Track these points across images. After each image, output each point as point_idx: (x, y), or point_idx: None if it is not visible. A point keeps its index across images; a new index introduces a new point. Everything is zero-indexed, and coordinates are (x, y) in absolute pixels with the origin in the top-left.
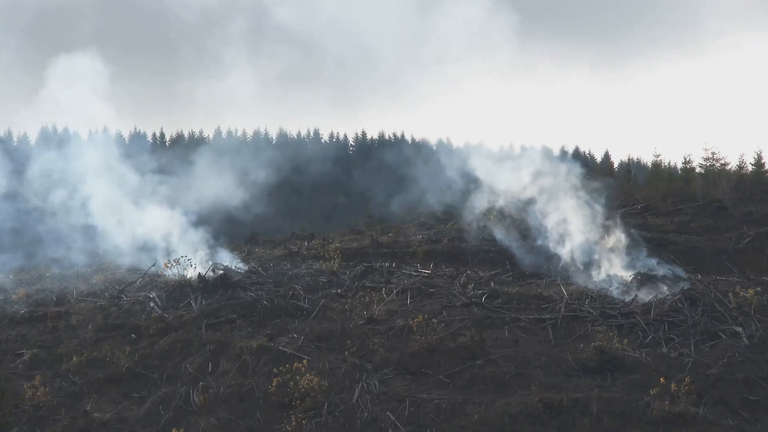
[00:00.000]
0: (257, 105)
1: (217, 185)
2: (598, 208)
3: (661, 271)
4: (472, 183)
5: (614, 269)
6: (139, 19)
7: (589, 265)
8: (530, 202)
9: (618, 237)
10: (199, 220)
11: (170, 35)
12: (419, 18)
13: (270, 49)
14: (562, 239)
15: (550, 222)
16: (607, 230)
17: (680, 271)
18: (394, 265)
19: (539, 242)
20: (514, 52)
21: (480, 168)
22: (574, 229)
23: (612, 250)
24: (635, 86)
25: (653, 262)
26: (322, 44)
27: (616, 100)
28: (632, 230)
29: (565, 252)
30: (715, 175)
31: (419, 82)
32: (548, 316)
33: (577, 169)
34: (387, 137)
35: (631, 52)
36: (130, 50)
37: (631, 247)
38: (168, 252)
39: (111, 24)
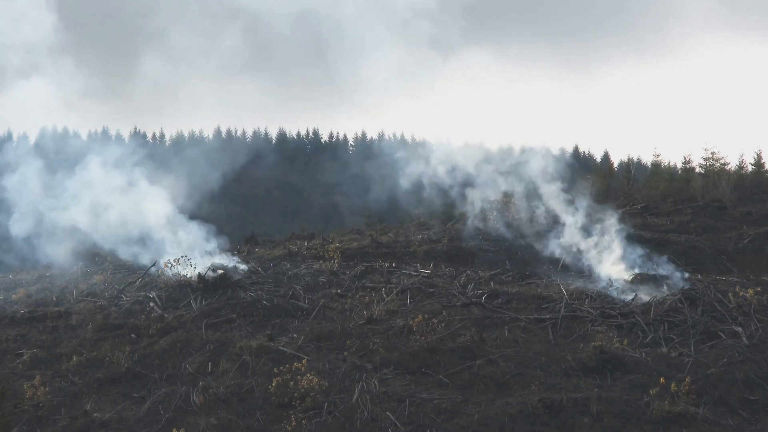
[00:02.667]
0: (199, 99)
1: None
2: (597, 207)
3: (661, 270)
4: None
5: (614, 269)
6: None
7: (588, 264)
8: (523, 200)
9: (617, 237)
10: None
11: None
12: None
13: (217, 34)
14: (560, 239)
15: (548, 222)
16: (606, 230)
17: (680, 271)
18: (394, 265)
19: (538, 242)
20: (489, 55)
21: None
22: (572, 229)
23: (612, 249)
24: (622, 87)
25: (653, 261)
26: (272, 30)
27: (610, 101)
28: (632, 230)
29: (564, 252)
30: (715, 175)
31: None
32: (548, 316)
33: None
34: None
35: (600, 53)
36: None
37: (631, 247)
38: (156, 243)
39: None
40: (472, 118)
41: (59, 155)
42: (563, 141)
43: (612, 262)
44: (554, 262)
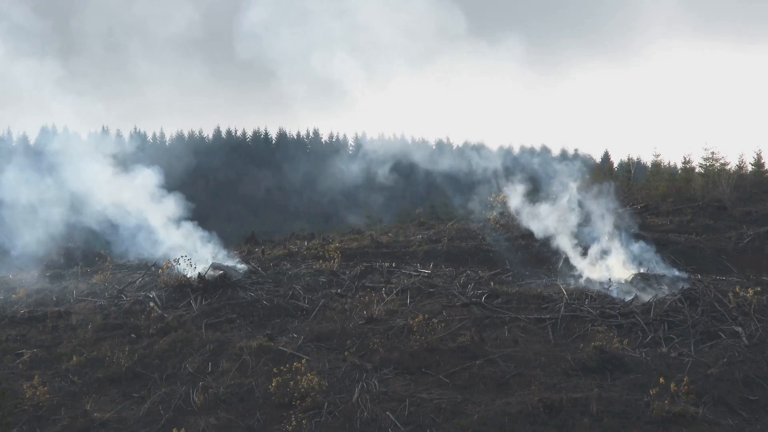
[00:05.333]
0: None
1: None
2: (597, 207)
3: (661, 270)
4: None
5: (614, 269)
6: None
7: (588, 264)
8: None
9: (617, 237)
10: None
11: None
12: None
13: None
14: (560, 239)
15: (549, 222)
16: (606, 230)
17: (680, 271)
18: (394, 265)
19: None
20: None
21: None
22: (572, 229)
23: (612, 249)
24: (590, 88)
25: (653, 261)
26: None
27: (576, 101)
28: (631, 230)
29: (564, 252)
30: (714, 174)
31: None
32: (548, 316)
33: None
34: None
35: (568, 53)
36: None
37: (631, 247)
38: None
39: None
40: (460, 117)
41: (44, 154)
42: (562, 142)
43: (612, 262)
44: (554, 262)
